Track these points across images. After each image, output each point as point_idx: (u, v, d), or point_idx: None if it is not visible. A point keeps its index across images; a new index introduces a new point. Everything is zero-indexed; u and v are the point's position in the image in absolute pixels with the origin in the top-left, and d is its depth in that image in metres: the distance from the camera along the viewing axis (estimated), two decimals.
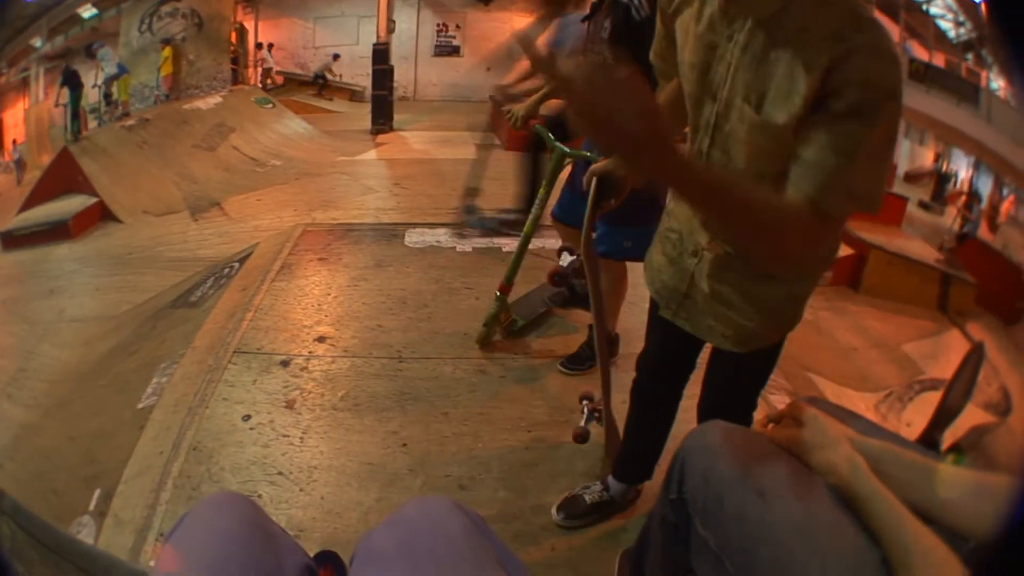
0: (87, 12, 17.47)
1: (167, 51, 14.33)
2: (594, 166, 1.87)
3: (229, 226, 5.67)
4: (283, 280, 4.15)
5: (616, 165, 1.80)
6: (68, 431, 3.75)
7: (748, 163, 1.30)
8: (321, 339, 3.48)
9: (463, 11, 15.53)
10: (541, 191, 3.08)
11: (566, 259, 3.75)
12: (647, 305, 1.85)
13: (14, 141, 20.43)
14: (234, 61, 16.23)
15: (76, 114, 12.42)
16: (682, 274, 1.61)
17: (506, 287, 3.31)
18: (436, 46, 15.45)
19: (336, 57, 15.80)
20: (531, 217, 3.17)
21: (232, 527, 1.00)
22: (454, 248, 4.73)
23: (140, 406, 3.38)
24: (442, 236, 4.94)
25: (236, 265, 4.71)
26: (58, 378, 4.83)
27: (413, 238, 4.93)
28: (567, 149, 2.92)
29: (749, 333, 1.55)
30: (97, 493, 2.94)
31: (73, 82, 11.84)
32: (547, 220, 3.20)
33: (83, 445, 3.50)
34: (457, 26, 15.59)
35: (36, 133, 18.51)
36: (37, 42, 18.56)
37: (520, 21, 15.38)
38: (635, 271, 2.97)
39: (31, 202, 9.70)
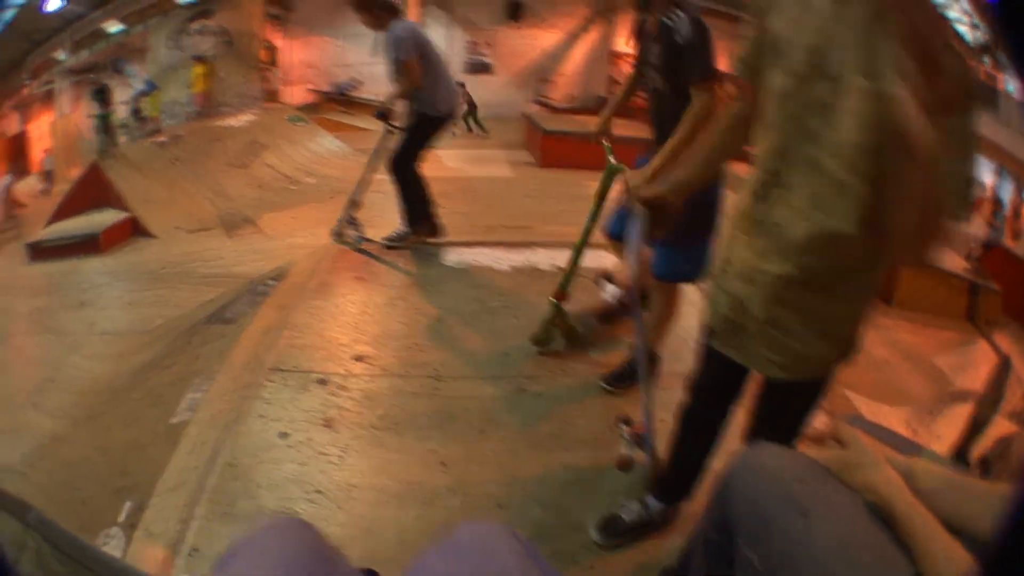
0: (113, 27, 18.39)
1: (200, 68, 14.93)
2: (639, 189, 1.97)
3: (263, 243, 5.81)
4: (320, 299, 4.24)
5: (663, 191, 1.86)
6: (98, 442, 3.90)
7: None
8: (359, 358, 3.57)
9: (493, 28, 15.89)
10: (593, 205, 3.19)
11: (609, 288, 3.87)
12: (687, 322, 1.89)
13: (45, 151, 21.43)
14: (265, 79, 16.99)
15: (107, 128, 12.97)
16: (732, 301, 1.65)
17: (561, 295, 3.43)
18: (467, 63, 15.83)
19: (356, 84, 16.22)
20: (584, 228, 3.27)
21: (296, 553, 1.02)
22: (492, 267, 4.82)
23: (174, 421, 3.50)
24: (480, 255, 5.03)
25: (272, 282, 4.83)
26: (88, 390, 5.02)
27: (450, 257, 5.04)
28: (617, 163, 3.01)
29: (804, 360, 1.59)
30: (128, 506, 3.03)
31: (103, 97, 12.37)
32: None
33: (114, 457, 3.63)
34: (488, 44, 15.94)
35: (64, 146, 19.39)
36: (61, 55, 19.55)
37: (548, 38, 15.75)
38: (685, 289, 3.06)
39: (60, 214, 10.13)
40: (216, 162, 9.81)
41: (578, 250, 3.32)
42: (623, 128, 3.60)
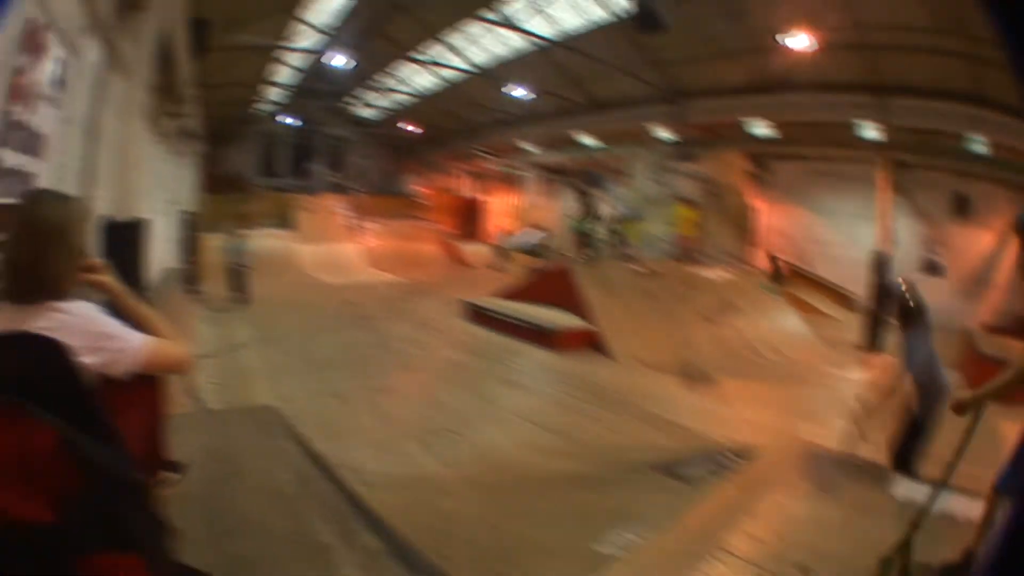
0: (587, 140, 21.50)
1: (687, 211, 16.05)
2: None
3: (720, 408, 5.69)
4: (784, 498, 3.92)
5: None
6: (491, 517, 4.05)
7: None
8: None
9: (945, 224, 14.04)
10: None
11: None
12: None
13: (502, 229, 25.51)
14: (744, 238, 17.49)
15: (584, 236, 14.66)
16: None
17: None
18: (921, 261, 14.25)
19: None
20: None
21: None
22: None
23: (598, 547, 3.42)
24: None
25: (735, 458, 4.72)
26: (495, 463, 5.50)
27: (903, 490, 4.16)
28: None
29: None
30: None
31: (588, 207, 13.80)
32: None
33: (504, 539, 3.71)
34: (940, 242, 14.11)
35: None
36: (528, 146, 23.31)
37: (988, 239, 13.14)
38: None
39: (514, 294, 11.60)
40: (687, 309, 10.11)
41: None
42: None
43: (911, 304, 4.57)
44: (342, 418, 6.47)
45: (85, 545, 1.54)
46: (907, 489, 4.11)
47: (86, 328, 1.65)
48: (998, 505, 2.89)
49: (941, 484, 3.13)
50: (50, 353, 1.56)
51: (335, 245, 21.27)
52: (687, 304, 10.21)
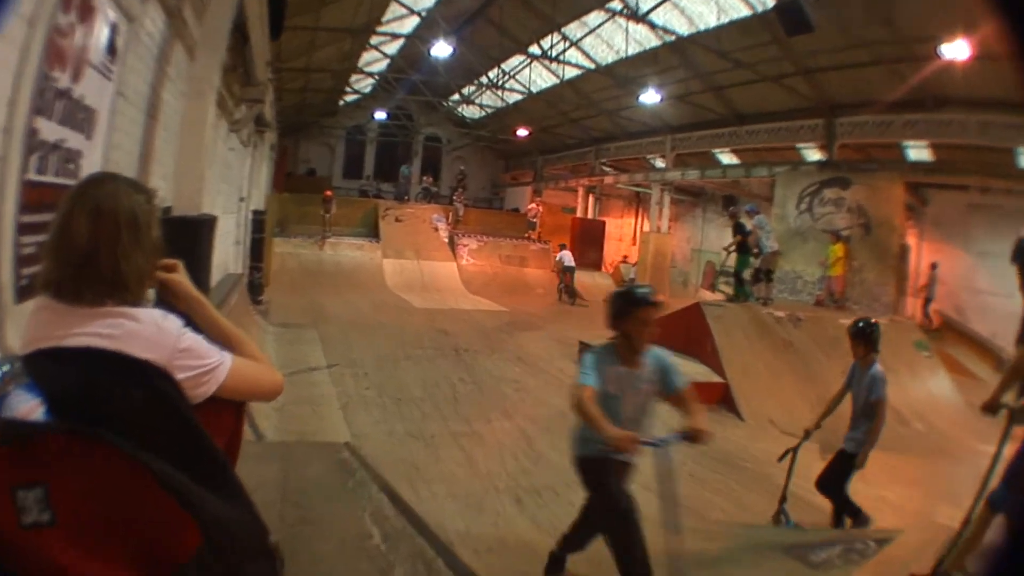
0: (726, 157, 21.00)
1: (839, 248, 15.47)
2: None
3: (857, 483, 5.53)
4: None
5: None
6: None
7: None
8: None
9: None
10: None
11: None
12: None
13: (624, 258, 25.04)
14: (898, 283, 16.74)
15: (726, 272, 14.19)
16: None
17: None
18: None
19: None
20: None
21: None
22: None
23: None
24: None
25: (871, 544, 4.66)
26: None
27: None
28: None
29: None
30: None
31: (742, 236, 13.25)
32: None
33: None
34: None
35: (653, 263, 22.36)
36: (658, 161, 22.76)
37: None
38: None
39: None
40: (830, 366, 9.82)
41: None
42: None
43: None
44: (423, 464, 6.54)
45: None
46: None
47: (162, 341, 1.57)
48: (989, 521, 3.57)
49: None
50: (149, 378, 1.49)
51: (426, 262, 21.85)
52: (832, 360, 9.87)
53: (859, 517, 5.31)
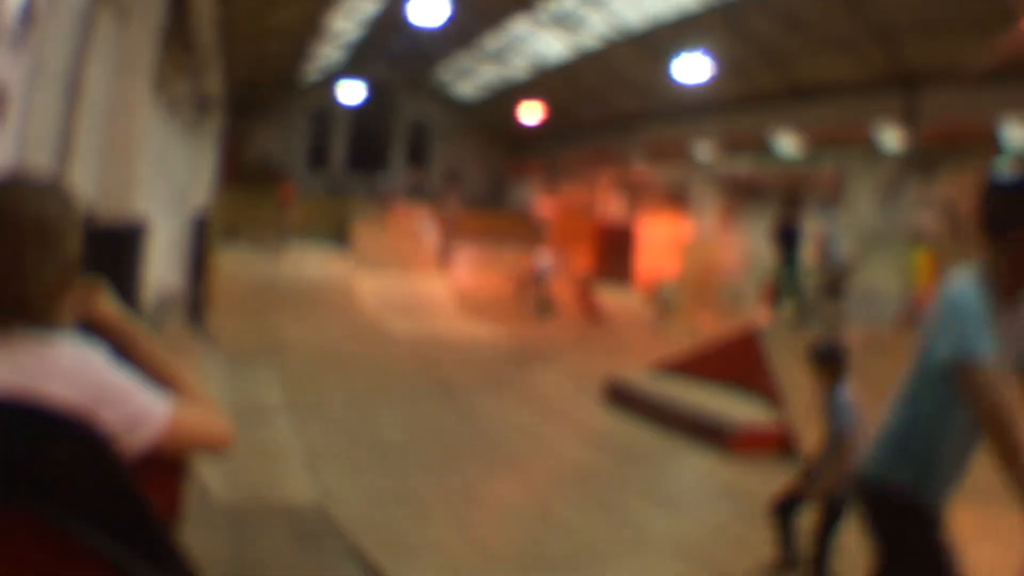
0: (785, 143, 20.65)
1: (922, 254, 15.24)
2: None
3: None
4: None
5: None
6: None
7: None
8: None
9: None
10: None
11: None
12: None
13: (665, 276, 24.96)
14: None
15: (787, 285, 13.92)
16: None
17: None
18: None
19: None
20: None
21: None
22: None
23: None
24: None
25: None
26: None
27: None
28: None
29: None
30: None
31: (790, 241, 13.13)
32: None
33: None
34: None
35: (696, 279, 22.26)
36: (701, 149, 22.70)
37: None
38: None
39: (678, 366, 11.43)
40: None
41: None
42: None
43: None
44: (412, 533, 6.43)
45: None
46: None
47: (82, 376, 1.56)
48: None
49: None
50: (74, 428, 1.48)
51: (411, 276, 21.90)
52: None
53: None
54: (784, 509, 5.60)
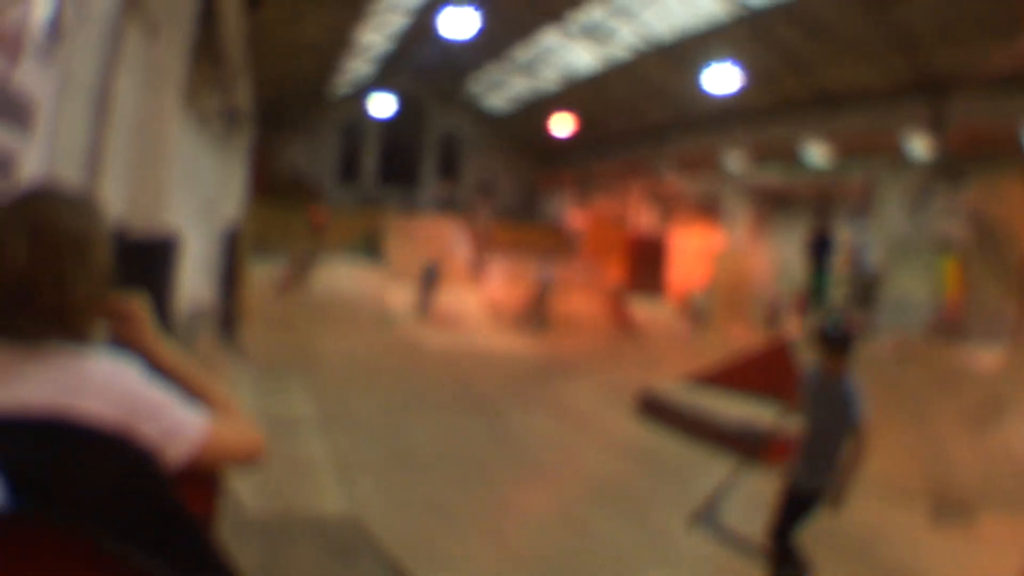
0: (814, 152, 20.35)
1: (950, 264, 15.22)
2: None
3: (980, 554, 5.46)
4: None
5: None
6: None
7: None
8: None
9: None
10: None
11: None
12: None
13: (697, 286, 24.89)
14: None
15: (821, 290, 14.05)
16: None
17: None
18: None
19: None
20: None
21: None
22: None
23: None
24: None
25: None
26: None
27: None
28: None
29: None
30: None
31: (823, 249, 13.22)
32: None
33: None
34: None
35: (728, 288, 22.18)
36: (731, 160, 22.61)
37: None
38: None
39: (713, 378, 11.30)
40: (943, 408, 9.68)
41: None
42: None
43: None
44: (444, 544, 6.49)
45: None
46: None
47: (118, 389, 1.54)
48: None
49: None
50: (122, 445, 1.46)
51: (443, 289, 21.83)
52: (947, 402, 9.73)
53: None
54: (781, 532, 5.36)
